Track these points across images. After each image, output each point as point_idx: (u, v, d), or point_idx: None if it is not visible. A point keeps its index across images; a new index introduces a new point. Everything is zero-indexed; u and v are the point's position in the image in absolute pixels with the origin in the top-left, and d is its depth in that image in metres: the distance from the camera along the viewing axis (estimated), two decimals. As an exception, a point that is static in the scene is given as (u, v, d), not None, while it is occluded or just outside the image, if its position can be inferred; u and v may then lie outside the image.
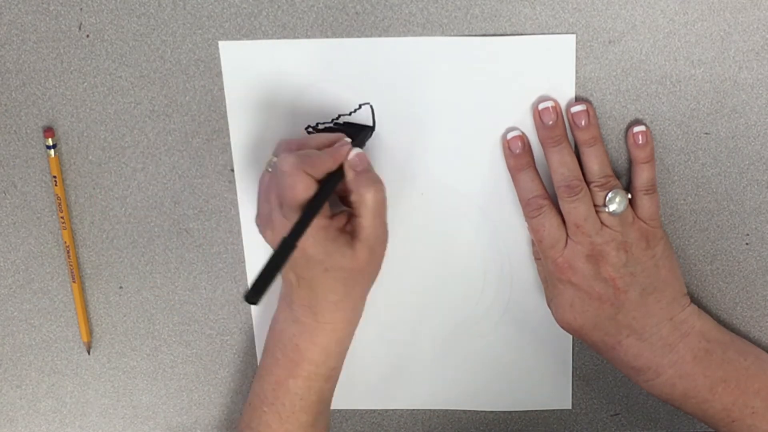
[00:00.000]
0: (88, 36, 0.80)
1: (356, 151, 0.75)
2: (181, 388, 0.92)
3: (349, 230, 0.76)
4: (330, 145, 0.76)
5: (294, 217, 0.72)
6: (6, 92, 0.83)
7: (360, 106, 0.80)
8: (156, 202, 0.85)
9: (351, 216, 0.77)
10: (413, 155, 0.81)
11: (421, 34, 0.78)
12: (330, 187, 0.74)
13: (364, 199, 0.75)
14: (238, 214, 0.85)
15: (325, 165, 0.74)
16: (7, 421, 0.94)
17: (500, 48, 0.77)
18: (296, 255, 0.72)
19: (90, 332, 0.90)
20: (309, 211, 0.72)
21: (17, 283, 0.89)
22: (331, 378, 0.82)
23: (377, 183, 0.75)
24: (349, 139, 0.76)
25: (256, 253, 0.86)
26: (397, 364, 0.89)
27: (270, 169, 0.76)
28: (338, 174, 0.75)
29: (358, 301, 0.80)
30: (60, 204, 0.85)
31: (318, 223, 0.73)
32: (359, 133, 0.79)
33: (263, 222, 0.76)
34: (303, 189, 0.72)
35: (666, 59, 0.77)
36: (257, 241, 0.85)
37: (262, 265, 0.68)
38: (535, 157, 0.79)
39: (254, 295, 0.66)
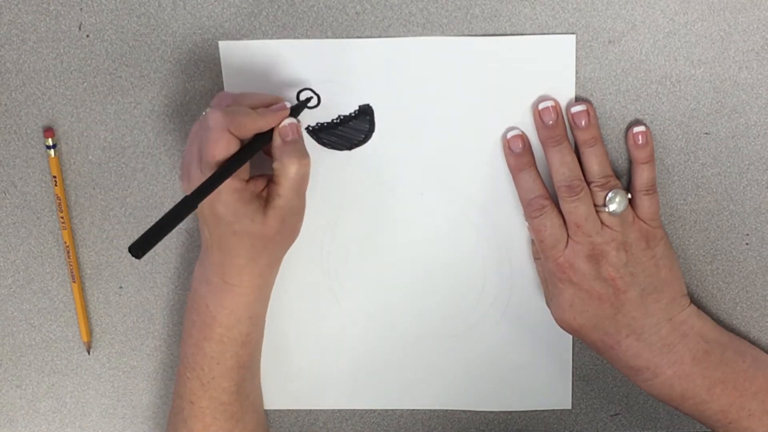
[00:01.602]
0: (88, 36, 0.80)
1: (290, 120, 0.75)
2: (181, 388, 0.92)
3: (264, 196, 0.76)
4: (261, 105, 0.75)
5: (208, 174, 0.71)
6: (6, 92, 0.83)
7: (360, 106, 0.80)
8: (156, 202, 0.85)
9: (270, 182, 0.76)
10: (413, 155, 0.81)
11: (421, 34, 0.78)
12: (253, 149, 0.73)
13: (286, 169, 0.74)
14: (238, 214, 0.85)
15: (254, 126, 0.73)
16: (7, 421, 0.94)
17: (500, 48, 0.77)
18: (207, 212, 0.73)
19: (90, 332, 0.90)
20: (221, 172, 0.71)
21: (17, 283, 0.89)
22: (247, 344, 0.81)
23: (303, 157, 0.75)
24: (288, 104, 0.75)
25: (256, 253, 0.86)
26: (397, 364, 0.89)
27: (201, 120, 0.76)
28: (265, 137, 0.74)
29: (266, 267, 0.79)
30: (60, 204, 0.85)
31: (232, 185, 0.73)
32: (301, 104, 0.77)
33: (184, 172, 0.76)
34: (222, 147, 0.72)
35: (666, 59, 0.77)
36: (257, 241, 0.85)
37: (157, 220, 0.65)
38: (536, 157, 0.79)
39: (139, 247, 0.62)
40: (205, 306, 0.80)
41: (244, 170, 0.75)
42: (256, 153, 0.74)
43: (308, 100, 0.79)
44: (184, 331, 0.83)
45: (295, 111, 0.77)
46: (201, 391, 0.82)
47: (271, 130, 0.75)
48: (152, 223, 0.64)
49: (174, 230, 0.85)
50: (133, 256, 0.63)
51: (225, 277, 0.78)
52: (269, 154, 0.76)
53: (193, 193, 0.68)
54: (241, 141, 0.73)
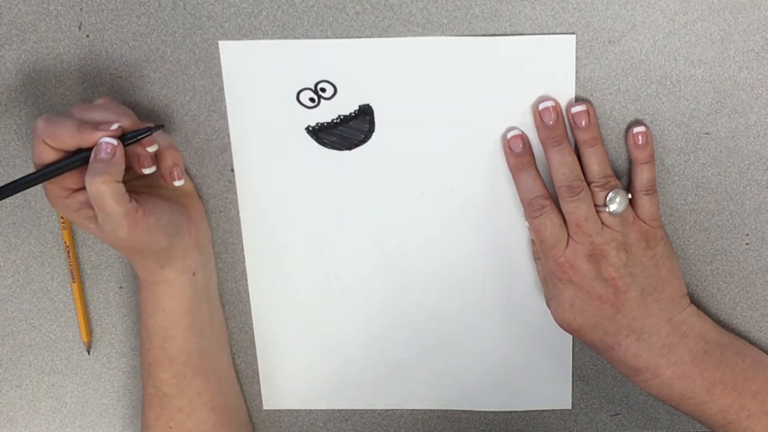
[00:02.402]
0: (88, 36, 0.80)
1: (107, 140, 0.74)
2: (181, 388, 0.92)
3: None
4: (100, 121, 0.75)
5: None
6: (6, 92, 0.83)
7: (360, 106, 0.80)
8: (156, 202, 0.85)
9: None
10: (413, 155, 0.81)
11: (421, 34, 0.78)
12: (72, 162, 0.74)
13: (87, 185, 0.73)
14: (238, 214, 0.85)
15: (69, 140, 0.74)
16: (7, 421, 0.94)
17: (500, 48, 0.77)
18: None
19: (90, 332, 0.90)
20: (28, 175, 0.74)
21: (17, 283, 0.89)
22: (169, 339, 0.83)
23: (102, 176, 0.73)
24: (115, 126, 0.74)
25: (256, 253, 0.86)
26: (397, 364, 0.89)
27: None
28: (89, 154, 0.74)
29: (150, 267, 0.80)
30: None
31: (55, 192, 0.76)
32: (140, 131, 0.76)
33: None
34: (37, 155, 0.75)
35: (666, 59, 0.77)
36: (257, 241, 0.85)
37: None
38: (536, 157, 0.79)
39: None
40: (138, 293, 0.84)
41: (71, 180, 0.75)
42: (75, 166, 0.75)
43: (150, 129, 0.76)
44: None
45: (133, 137, 0.75)
46: (146, 377, 0.85)
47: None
48: None
49: (174, 230, 0.85)
50: None
51: (134, 268, 0.82)
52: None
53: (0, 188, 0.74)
54: (67, 152, 0.75)
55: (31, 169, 0.85)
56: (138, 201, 0.76)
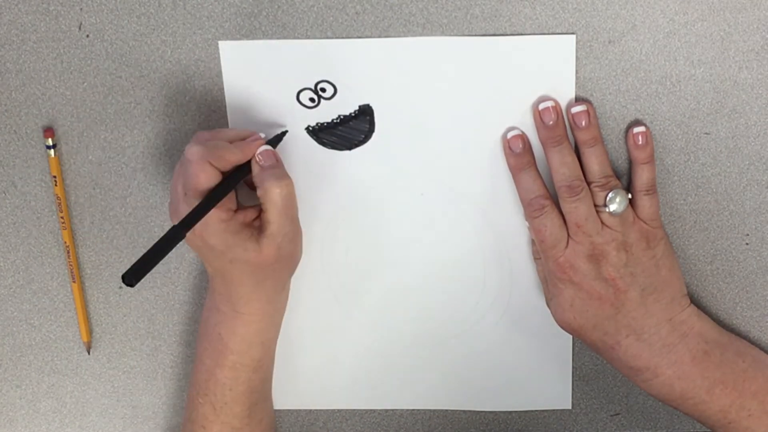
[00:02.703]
0: (88, 36, 0.80)
1: (264, 147, 0.76)
2: (181, 388, 0.92)
3: (257, 225, 0.77)
4: (236, 139, 0.77)
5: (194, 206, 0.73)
6: (6, 92, 0.83)
7: (360, 106, 0.80)
8: (156, 202, 0.85)
9: (260, 211, 0.77)
10: (413, 155, 0.81)
11: (421, 34, 0.78)
12: (234, 179, 0.75)
13: (269, 194, 0.75)
14: (238, 214, 0.85)
15: (232, 157, 0.75)
16: (7, 421, 0.94)
17: (500, 48, 0.77)
18: (200, 245, 0.75)
19: (90, 332, 0.90)
20: (205, 202, 0.73)
21: (17, 283, 0.89)
22: (259, 369, 0.82)
23: (283, 179, 0.75)
24: (262, 135, 0.77)
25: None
26: (398, 364, 0.89)
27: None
28: (245, 169, 0.76)
29: (272, 293, 0.80)
30: (60, 204, 0.85)
31: (218, 215, 0.74)
32: (276, 137, 0.79)
33: (172, 210, 0.78)
34: (205, 179, 0.74)
35: (666, 59, 0.77)
36: (257, 241, 0.85)
37: (149, 248, 0.68)
38: (536, 157, 0.79)
39: (132, 276, 0.65)
40: (217, 334, 0.81)
41: (231, 201, 0.76)
42: (237, 183, 0.76)
43: (284, 133, 0.80)
44: (196, 358, 0.83)
45: (272, 142, 0.78)
46: (213, 416, 0.83)
47: (249, 164, 0.76)
48: (143, 253, 0.67)
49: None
50: (126, 284, 0.65)
51: (234, 306, 0.79)
52: (253, 187, 0.78)
53: (180, 223, 0.71)
54: (223, 173, 0.75)
55: (30, 170, 0.85)
56: None
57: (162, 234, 0.69)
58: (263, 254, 0.76)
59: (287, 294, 0.83)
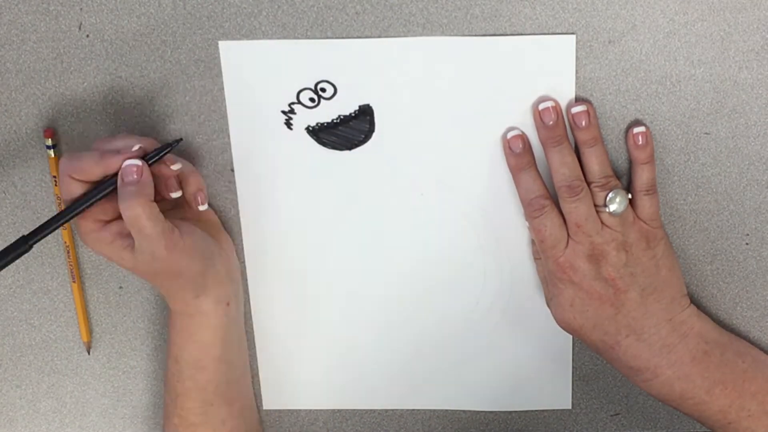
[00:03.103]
0: (88, 36, 0.80)
1: (129, 162, 0.75)
2: (181, 388, 0.92)
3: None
4: (117, 149, 0.76)
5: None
6: (6, 92, 0.83)
7: (360, 106, 0.80)
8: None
9: None
10: (413, 155, 0.81)
11: (421, 34, 0.78)
12: (99, 191, 0.75)
13: (122, 212, 0.74)
14: (238, 214, 0.85)
15: (93, 171, 0.75)
16: (7, 421, 0.94)
17: (500, 48, 0.77)
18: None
19: (90, 332, 0.90)
20: (60, 215, 0.75)
21: (17, 283, 0.89)
22: (201, 369, 0.83)
23: (135, 198, 0.74)
24: (136, 147, 0.75)
25: (256, 252, 0.86)
26: (397, 364, 0.89)
27: None
28: (115, 181, 0.75)
29: (187, 298, 0.80)
30: (60, 204, 0.85)
31: (87, 226, 0.77)
32: (162, 148, 0.77)
33: None
34: (64, 191, 0.76)
35: (666, 59, 0.77)
36: (257, 241, 0.85)
37: None
38: (536, 157, 0.79)
39: None
40: (168, 327, 0.84)
41: (103, 211, 0.76)
42: (103, 196, 0.76)
43: (173, 143, 0.77)
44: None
45: (155, 154, 0.76)
46: (172, 407, 0.85)
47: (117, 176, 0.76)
48: None
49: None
50: None
51: (167, 301, 0.82)
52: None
53: (29, 234, 0.75)
54: (93, 183, 0.76)
55: (30, 170, 0.85)
56: (173, 223, 0.77)
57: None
58: (140, 265, 0.77)
59: (218, 297, 0.82)
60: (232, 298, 0.83)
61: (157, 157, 0.76)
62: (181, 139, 0.79)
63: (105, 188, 0.75)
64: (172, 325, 0.83)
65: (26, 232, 0.87)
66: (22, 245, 0.74)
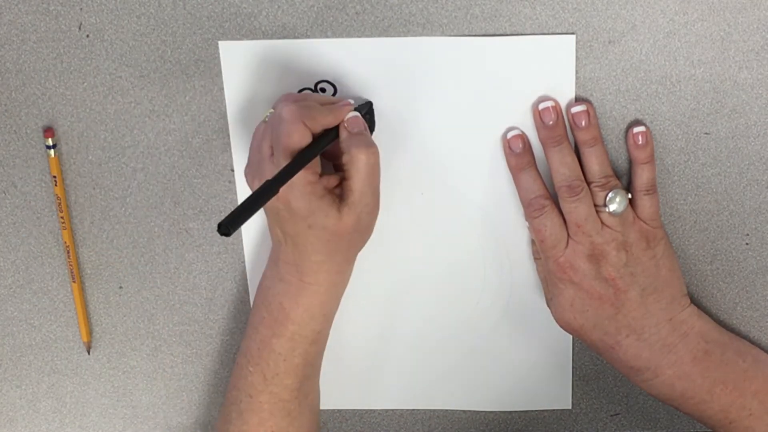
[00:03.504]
0: (88, 36, 0.80)
1: (353, 113, 0.76)
2: (181, 388, 0.92)
3: (338, 193, 0.77)
4: (327, 104, 0.77)
5: (284, 164, 0.72)
6: (6, 92, 0.83)
7: (359, 106, 0.80)
8: (156, 202, 0.85)
9: (342, 180, 0.77)
10: (413, 155, 0.81)
11: (421, 34, 0.78)
12: (324, 142, 0.75)
13: (354, 160, 0.75)
14: (238, 214, 0.85)
15: (324, 119, 0.75)
16: (7, 421, 0.94)
17: (500, 48, 0.77)
18: (281, 207, 0.74)
19: (90, 332, 0.90)
20: (299, 160, 0.72)
21: (17, 283, 0.89)
22: (317, 342, 0.82)
23: (370, 146, 0.75)
24: (351, 101, 0.77)
25: (256, 253, 0.86)
26: (397, 365, 0.89)
27: (267, 120, 0.77)
28: (334, 132, 0.76)
29: (343, 264, 0.79)
30: (60, 204, 0.85)
31: (305, 178, 0.74)
32: (364, 105, 0.79)
33: (252, 171, 0.77)
34: (298, 138, 0.73)
35: (666, 59, 0.77)
36: (257, 241, 0.85)
37: (242, 201, 0.67)
38: (536, 157, 0.79)
39: (227, 227, 0.65)
40: (278, 303, 0.80)
41: (316, 164, 0.75)
42: (327, 146, 0.75)
43: (369, 103, 0.80)
44: (250, 326, 0.82)
45: (359, 109, 0.78)
46: (263, 386, 0.82)
47: (337, 128, 0.76)
48: (238, 205, 0.67)
49: (174, 230, 0.85)
50: (221, 234, 0.65)
51: (301, 276, 0.78)
52: (335, 159, 0.78)
53: (274, 178, 0.70)
54: (313, 135, 0.75)
55: (30, 170, 0.85)
56: None
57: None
58: (342, 222, 0.75)
59: (351, 271, 0.82)
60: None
61: (365, 114, 0.78)
62: (372, 102, 0.80)
63: (332, 135, 0.76)
64: (296, 302, 0.79)
65: (26, 233, 0.87)
66: (271, 188, 0.70)
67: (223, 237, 0.85)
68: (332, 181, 0.77)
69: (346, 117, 0.76)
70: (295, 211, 0.74)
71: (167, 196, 0.85)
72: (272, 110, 0.76)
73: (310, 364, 0.82)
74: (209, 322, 0.89)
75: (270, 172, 0.72)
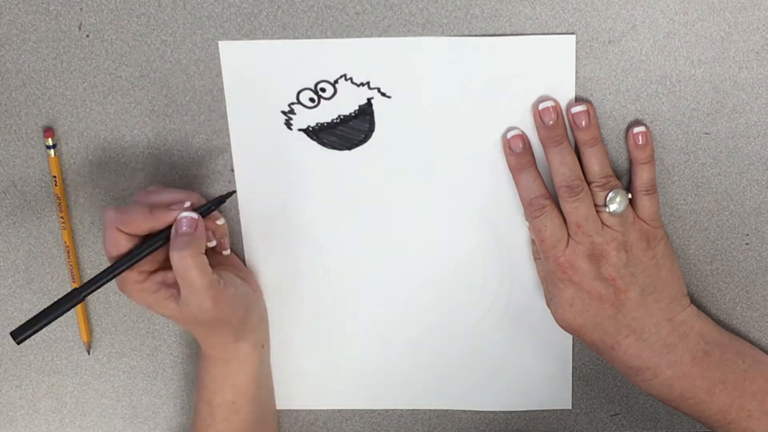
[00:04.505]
0: (88, 36, 0.80)
1: (186, 214, 0.76)
2: (181, 388, 0.92)
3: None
4: (170, 202, 0.77)
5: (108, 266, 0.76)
6: (6, 92, 0.83)
7: (360, 106, 0.80)
8: (156, 202, 0.85)
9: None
10: (413, 155, 0.81)
11: (421, 34, 0.78)
12: (153, 244, 0.76)
13: (173, 262, 0.75)
14: (238, 214, 0.85)
15: (143, 225, 0.76)
16: (7, 421, 0.94)
17: (500, 48, 0.77)
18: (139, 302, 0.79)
19: (90, 332, 0.90)
20: (111, 268, 0.76)
21: (17, 283, 0.89)
22: (236, 411, 0.84)
23: (188, 249, 0.75)
24: (188, 202, 0.77)
25: (256, 253, 0.86)
26: (398, 365, 0.89)
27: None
28: (166, 235, 0.76)
29: (228, 342, 0.82)
30: (60, 204, 0.85)
31: (132, 277, 0.77)
32: (214, 202, 0.79)
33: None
34: (111, 245, 0.76)
35: (666, 59, 0.77)
36: (257, 241, 0.85)
37: (41, 309, 0.72)
38: (536, 157, 0.79)
39: (21, 332, 0.70)
40: (199, 372, 0.84)
41: (149, 263, 0.77)
42: (154, 250, 0.77)
43: (227, 195, 0.80)
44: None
45: (208, 207, 0.79)
46: None
47: (170, 230, 0.77)
48: (38, 312, 0.71)
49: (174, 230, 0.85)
50: (16, 342, 0.70)
51: (203, 348, 0.83)
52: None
53: (81, 287, 0.75)
54: (141, 236, 0.77)
55: (30, 170, 0.85)
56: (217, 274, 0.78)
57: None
58: (184, 314, 0.77)
59: (255, 340, 0.83)
60: (266, 340, 0.86)
61: (210, 211, 0.78)
62: (234, 192, 0.82)
63: (156, 242, 0.76)
64: (205, 370, 0.83)
65: (26, 233, 0.87)
66: (75, 297, 0.75)
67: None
68: (171, 275, 0.77)
69: (180, 216, 0.76)
70: (144, 306, 0.79)
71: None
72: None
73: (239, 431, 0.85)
74: (209, 322, 0.89)
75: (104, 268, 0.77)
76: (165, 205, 0.77)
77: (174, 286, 0.78)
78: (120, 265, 0.76)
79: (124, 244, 0.76)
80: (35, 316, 0.73)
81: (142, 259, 0.76)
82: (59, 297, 0.75)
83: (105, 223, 0.76)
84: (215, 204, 0.79)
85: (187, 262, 0.75)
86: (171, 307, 0.77)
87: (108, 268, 0.76)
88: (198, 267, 0.75)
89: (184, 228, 0.76)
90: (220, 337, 0.81)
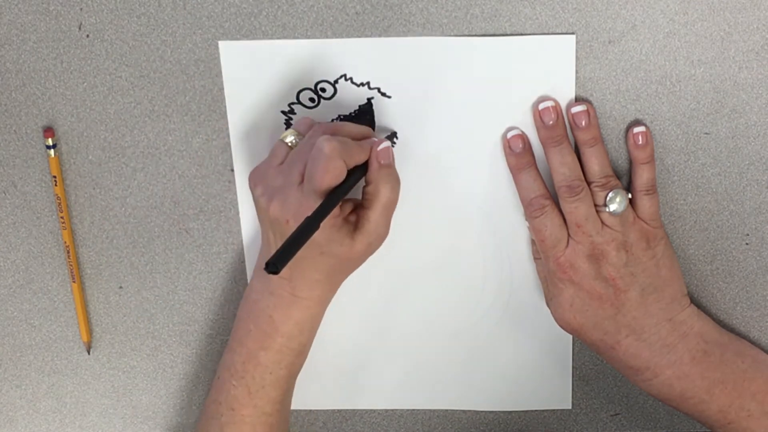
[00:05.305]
0: (88, 36, 0.80)
1: (386, 143, 0.77)
2: (181, 388, 0.92)
3: (353, 220, 0.77)
4: (359, 137, 0.77)
5: (315, 198, 0.73)
6: (6, 92, 0.83)
7: (360, 106, 0.80)
8: (156, 202, 0.85)
9: (358, 206, 0.78)
10: (413, 155, 0.81)
11: (421, 34, 0.78)
12: (356, 178, 0.76)
13: (378, 192, 0.76)
14: (238, 214, 0.85)
15: (358, 157, 0.76)
16: (7, 421, 0.94)
17: (500, 48, 0.77)
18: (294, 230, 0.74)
19: (90, 332, 0.90)
20: (335, 197, 0.73)
21: (17, 283, 0.89)
22: (302, 354, 0.82)
23: (395, 181, 0.77)
24: (385, 138, 0.78)
25: (256, 253, 0.86)
26: (398, 365, 0.89)
27: (290, 143, 0.77)
28: (363, 168, 0.77)
29: (336, 284, 0.81)
30: (60, 204, 0.85)
31: (333, 211, 0.74)
32: (389, 137, 0.80)
33: (271, 191, 0.76)
34: (336, 176, 0.73)
35: (666, 59, 0.77)
36: (257, 241, 0.85)
37: (287, 239, 0.69)
38: (536, 157, 0.79)
39: (275, 265, 0.67)
40: (268, 317, 0.80)
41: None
42: (357, 182, 0.76)
43: (394, 134, 0.80)
44: (234, 340, 0.82)
45: (389, 138, 0.80)
46: (246, 399, 0.82)
47: (366, 163, 0.77)
48: (283, 244, 0.68)
49: (174, 230, 0.85)
50: (269, 272, 0.66)
51: (294, 290, 0.79)
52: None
53: (314, 215, 0.71)
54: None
55: (30, 170, 0.85)
56: None
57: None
58: (354, 249, 0.76)
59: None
60: None
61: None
62: (396, 133, 0.81)
63: (360, 173, 0.77)
64: (285, 317, 0.80)
65: (26, 233, 0.87)
66: (312, 225, 0.71)
67: (225, 237, 0.85)
68: (346, 208, 0.77)
69: (378, 148, 0.76)
70: (312, 240, 0.74)
71: (167, 196, 0.85)
72: (296, 133, 0.77)
73: (294, 376, 0.83)
74: (209, 322, 0.89)
75: (296, 199, 0.74)
76: (357, 136, 0.77)
77: (348, 220, 0.77)
78: (340, 194, 0.74)
79: (343, 176, 0.74)
80: (282, 247, 0.69)
81: (353, 186, 0.76)
82: (298, 228, 0.70)
83: (328, 153, 0.73)
84: (391, 139, 0.80)
85: (396, 195, 0.76)
86: (346, 242, 0.76)
87: (331, 197, 0.74)
88: (396, 197, 0.77)
89: (386, 160, 0.76)
90: (344, 275, 0.80)
